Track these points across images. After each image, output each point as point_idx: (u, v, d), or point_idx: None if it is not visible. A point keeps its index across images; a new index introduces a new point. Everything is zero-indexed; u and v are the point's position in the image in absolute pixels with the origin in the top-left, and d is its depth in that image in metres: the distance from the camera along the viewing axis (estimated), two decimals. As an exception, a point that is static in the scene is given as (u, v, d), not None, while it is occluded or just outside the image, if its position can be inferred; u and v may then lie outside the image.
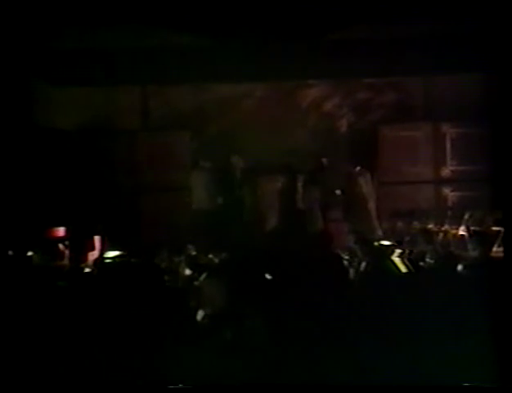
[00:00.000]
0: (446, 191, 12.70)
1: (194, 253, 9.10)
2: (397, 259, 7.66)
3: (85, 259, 8.92)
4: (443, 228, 11.07)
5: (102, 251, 8.88)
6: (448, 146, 12.74)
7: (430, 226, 11.34)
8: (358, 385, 5.16)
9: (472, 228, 10.58)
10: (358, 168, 12.05)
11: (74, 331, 5.68)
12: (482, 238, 9.79)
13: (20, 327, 5.68)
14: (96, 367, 5.50)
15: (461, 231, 10.70)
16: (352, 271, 7.62)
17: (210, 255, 8.53)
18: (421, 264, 7.73)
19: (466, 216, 10.90)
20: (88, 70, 12.00)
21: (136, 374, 5.45)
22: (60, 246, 9.36)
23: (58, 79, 12.52)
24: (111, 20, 10.72)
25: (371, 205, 11.99)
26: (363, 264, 7.54)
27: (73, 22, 10.72)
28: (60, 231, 10.50)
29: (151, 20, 11.02)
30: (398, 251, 8.18)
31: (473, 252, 8.46)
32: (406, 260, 7.59)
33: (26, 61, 11.66)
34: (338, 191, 11.96)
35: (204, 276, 7.18)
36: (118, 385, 5.48)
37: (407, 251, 8.31)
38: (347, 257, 8.36)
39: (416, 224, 11.57)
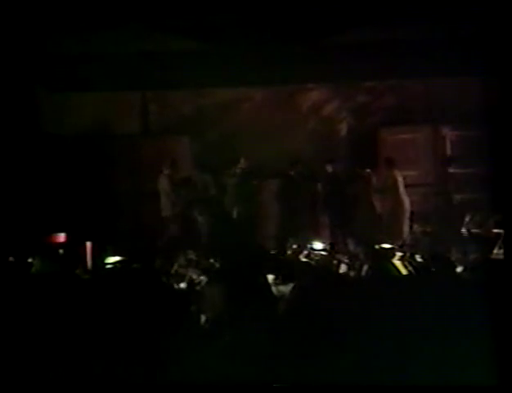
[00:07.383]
0: (447, 193, 12.70)
1: (195, 258, 9.11)
2: (397, 262, 7.67)
3: (86, 264, 8.93)
4: (443, 231, 11.12)
5: (103, 257, 8.88)
6: (448, 148, 12.75)
7: (430, 228, 11.38)
8: (358, 385, 5.18)
9: (472, 230, 10.61)
10: (358, 171, 12.05)
11: (75, 337, 5.70)
12: (482, 240, 9.81)
13: (21, 332, 5.69)
14: (98, 372, 5.52)
15: (462, 233, 10.72)
16: (353, 273, 7.63)
17: (211, 260, 8.54)
18: (421, 266, 7.73)
19: (467, 219, 10.93)
20: (89, 76, 12.02)
21: (138, 378, 5.46)
22: (61, 251, 9.37)
23: (59, 84, 12.54)
24: (111, 27, 10.76)
25: (374, 207, 12.00)
26: (364, 267, 7.56)
27: (74, 28, 10.75)
28: (61, 237, 10.51)
29: (151, 25, 11.06)
30: (399, 254, 8.19)
31: (473, 254, 8.47)
32: (406, 263, 7.60)
33: (27, 67, 11.68)
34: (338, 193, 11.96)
35: (205, 280, 7.18)
36: (120, 389, 5.50)
37: (408, 254, 8.32)
38: (347, 260, 8.37)
39: (417, 227, 11.60)
